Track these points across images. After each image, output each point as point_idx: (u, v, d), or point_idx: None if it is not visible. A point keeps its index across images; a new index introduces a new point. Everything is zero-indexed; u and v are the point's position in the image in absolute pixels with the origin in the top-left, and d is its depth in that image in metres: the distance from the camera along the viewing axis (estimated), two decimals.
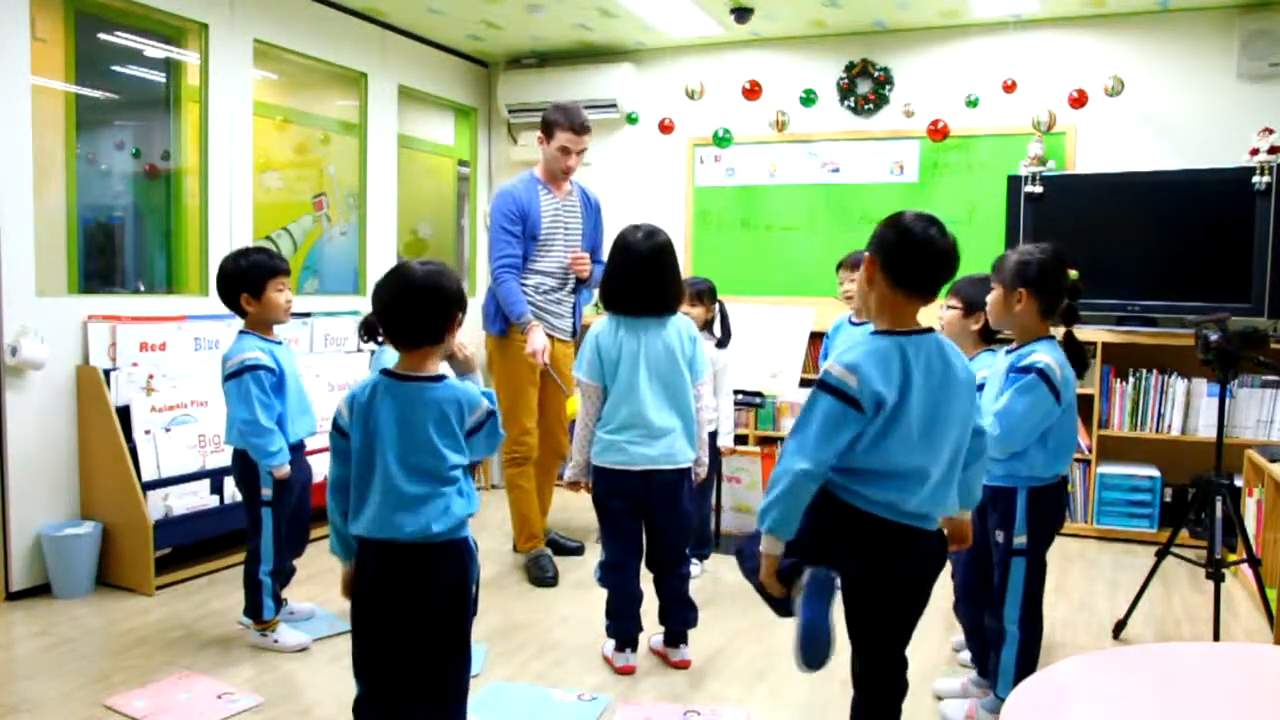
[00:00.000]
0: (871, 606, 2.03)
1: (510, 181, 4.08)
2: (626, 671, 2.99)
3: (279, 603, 3.18)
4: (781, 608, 2.03)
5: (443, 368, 2.17)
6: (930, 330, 2.00)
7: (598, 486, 3.00)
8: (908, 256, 1.96)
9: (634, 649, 3.03)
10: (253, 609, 3.12)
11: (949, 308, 2.82)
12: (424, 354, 2.09)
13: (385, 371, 2.09)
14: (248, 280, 3.03)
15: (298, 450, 3.14)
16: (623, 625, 3.02)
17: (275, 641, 3.13)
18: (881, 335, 1.96)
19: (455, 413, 2.07)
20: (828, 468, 1.90)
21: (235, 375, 2.99)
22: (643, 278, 2.94)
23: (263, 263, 3.06)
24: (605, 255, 4.26)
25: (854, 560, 1.98)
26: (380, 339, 3.41)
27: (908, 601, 2.05)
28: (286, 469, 3.03)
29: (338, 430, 2.10)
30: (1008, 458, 2.48)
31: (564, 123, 3.86)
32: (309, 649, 3.15)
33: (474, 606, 2.17)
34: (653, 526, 3.02)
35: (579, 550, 4.27)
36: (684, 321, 3.04)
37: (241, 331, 3.10)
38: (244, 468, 3.08)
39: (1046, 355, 2.45)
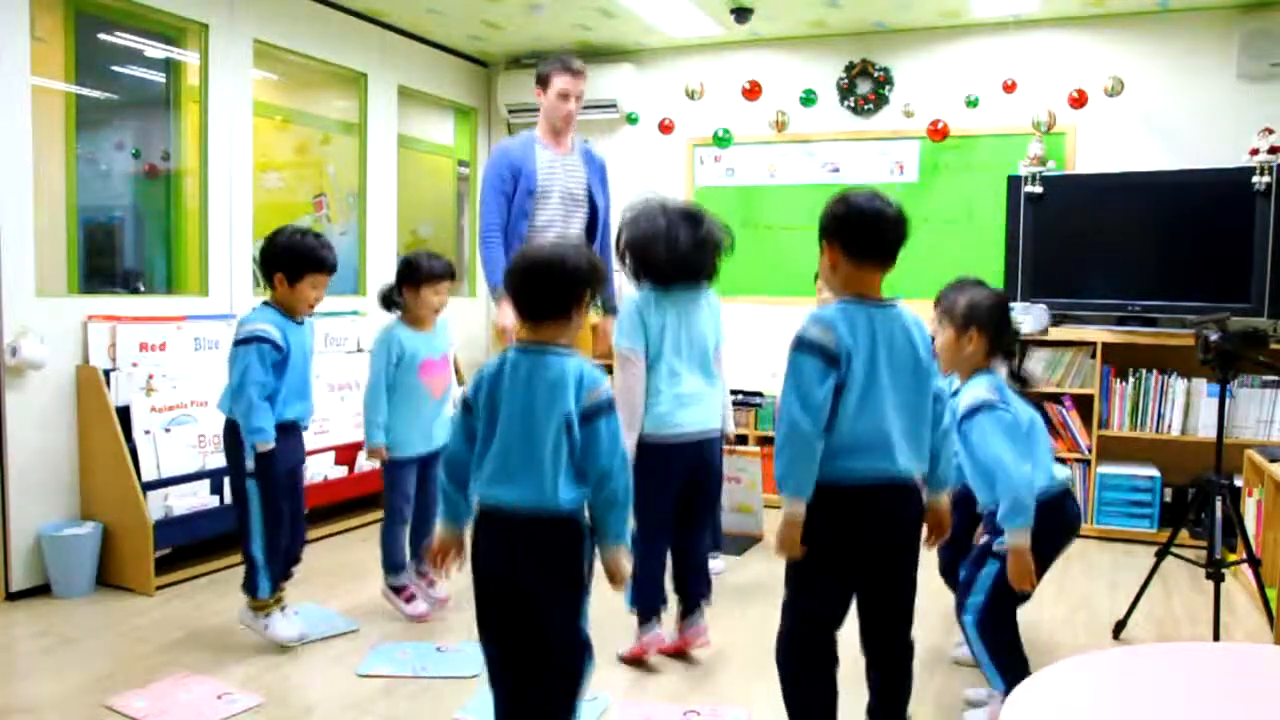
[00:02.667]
0: (862, 566, 2.13)
1: (507, 139, 4.03)
2: (656, 643, 2.99)
3: (276, 584, 3.11)
4: None
5: None
6: (894, 303, 2.11)
7: (650, 460, 2.91)
8: (864, 229, 2.08)
9: (659, 620, 3.02)
10: (249, 584, 3.08)
11: (940, 328, 2.73)
12: (549, 330, 2.08)
13: (517, 344, 2.10)
14: (289, 262, 3.00)
15: (287, 430, 3.09)
16: (651, 596, 2.99)
17: (266, 628, 3.09)
18: (849, 301, 2.08)
19: (573, 382, 2.02)
20: (826, 418, 2.01)
21: (242, 343, 2.98)
22: (678, 249, 2.91)
23: (313, 251, 3.02)
24: (613, 217, 4.28)
25: (835, 525, 2.06)
26: (395, 308, 3.42)
27: (898, 560, 2.15)
28: (270, 444, 2.98)
29: (464, 406, 2.11)
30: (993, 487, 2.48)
31: (559, 67, 3.82)
32: (296, 648, 3.14)
33: (586, 590, 2.13)
34: (696, 493, 3.01)
35: None
36: (712, 293, 3.07)
37: (265, 303, 3.09)
38: (230, 438, 3.05)
39: (976, 390, 2.51)
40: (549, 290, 2.07)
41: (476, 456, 2.09)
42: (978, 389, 2.51)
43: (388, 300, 3.41)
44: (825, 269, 2.13)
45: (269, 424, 2.98)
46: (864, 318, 2.05)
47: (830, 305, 2.08)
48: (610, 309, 4.08)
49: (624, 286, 3.29)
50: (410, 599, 3.41)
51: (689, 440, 2.93)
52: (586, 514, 2.11)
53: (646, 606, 3.01)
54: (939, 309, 2.69)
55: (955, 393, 2.57)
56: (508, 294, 2.14)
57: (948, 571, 2.94)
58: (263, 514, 3.05)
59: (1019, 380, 2.64)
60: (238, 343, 2.99)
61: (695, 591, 3.07)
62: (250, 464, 3.00)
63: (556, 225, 3.96)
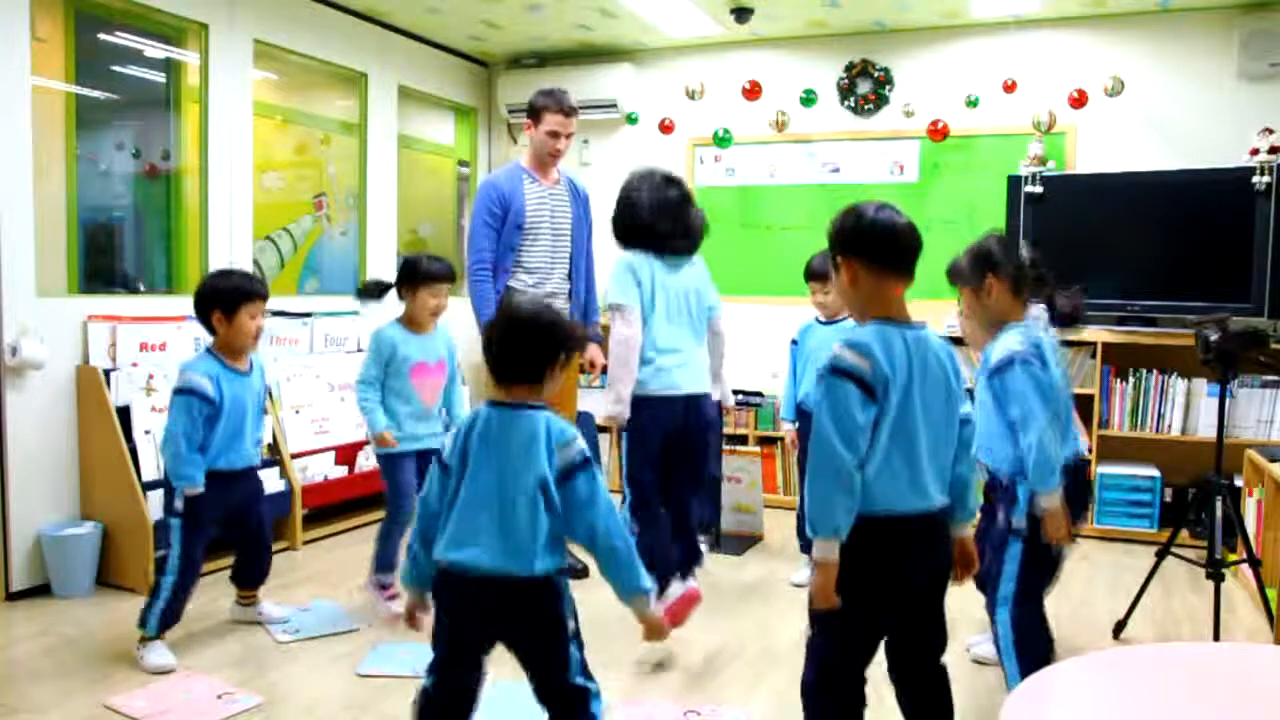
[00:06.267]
0: (883, 604, 2.01)
1: (494, 172, 3.99)
2: (689, 596, 2.95)
3: (166, 624, 3.04)
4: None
5: None
6: (923, 325, 2.02)
7: (642, 416, 2.91)
8: (879, 239, 1.98)
9: (680, 578, 3.00)
10: (143, 613, 3.01)
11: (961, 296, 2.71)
12: (520, 392, 2.02)
13: (489, 401, 2.05)
14: (223, 299, 3.01)
15: (225, 479, 3.06)
16: (663, 562, 2.95)
17: (142, 657, 2.99)
18: (881, 322, 1.97)
19: (544, 440, 1.96)
20: (863, 452, 1.89)
21: (176, 391, 2.98)
22: (668, 215, 2.94)
23: (240, 285, 3.04)
24: (598, 250, 4.27)
25: (867, 562, 1.95)
26: (375, 303, 3.44)
27: (930, 595, 2.05)
28: (197, 489, 2.97)
29: (439, 462, 2.05)
30: (1014, 445, 2.44)
31: (552, 105, 3.76)
32: (295, 647, 3.15)
33: (571, 652, 2.03)
34: (684, 456, 2.99)
35: (583, 573, 3.88)
36: (699, 261, 3.07)
37: (207, 349, 3.09)
38: (168, 476, 3.06)
39: (1009, 341, 2.43)
40: (523, 353, 2.01)
41: (443, 514, 2.01)
42: (1010, 340, 2.42)
43: (368, 292, 3.40)
44: (844, 287, 2.02)
45: (195, 470, 2.97)
46: (899, 341, 1.93)
47: (865, 328, 1.96)
48: (594, 336, 4.06)
49: (607, 294, 3.26)
50: (393, 598, 3.39)
51: (677, 396, 2.92)
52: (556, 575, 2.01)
53: (661, 573, 2.95)
54: (952, 276, 2.61)
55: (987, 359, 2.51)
56: (485, 349, 2.08)
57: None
58: (181, 555, 3.02)
59: (1061, 316, 2.55)
60: (174, 391, 2.99)
61: (684, 559, 3.04)
62: (179, 504, 3.01)
63: (543, 260, 3.90)
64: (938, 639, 2.10)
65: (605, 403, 2.95)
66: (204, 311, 3.04)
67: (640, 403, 2.93)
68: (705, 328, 3.05)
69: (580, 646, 2.08)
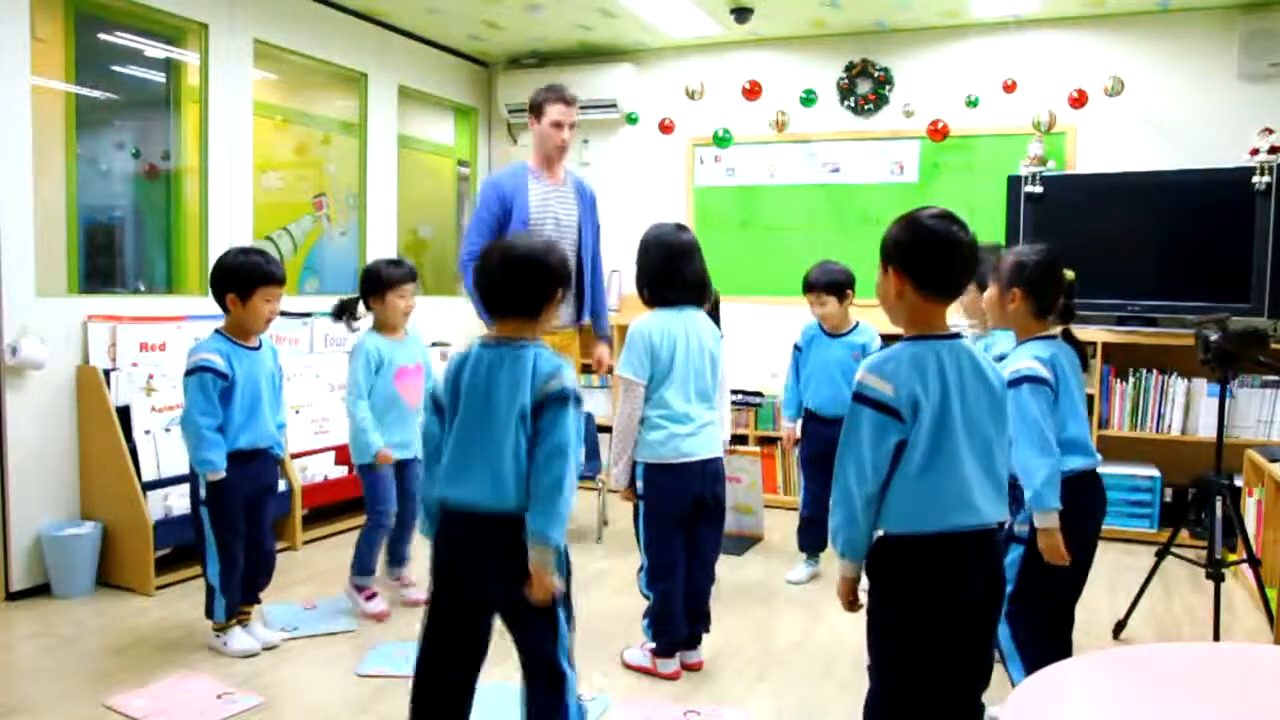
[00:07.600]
0: (930, 629, 1.91)
1: (498, 171, 4.02)
2: (676, 677, 2.95)
3: (232, 611, 3.07)
4: None
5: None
6: (959, 336, 1.95)
7: (656, 483, 2.91)
8: (937, 260, 1.88)
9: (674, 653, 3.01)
10: (207, 608, 3.07)
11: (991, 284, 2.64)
12: (516, 327, 2.04)
13: (481, 339, 2.06)
14: (239, 279, 2.97)
15: (245, 459, 3.03)
16: (674, 631, 2.95)
17: (225, 644, 3.07)
18: (916, 340, 1.90)
19: (530, 373, 1.96)
20: (883, 480, 1.86)
21: (188, 373, 2.96)
22: (684, 268, 2.95)
23: (259, 266, 3.00)
24: (603, 254, 4.27)
25: (917, 580, 1.89)
26: (356, 321, 3.43)
27: (982, 615, 1.95)
28: (219, 474, 2.94)
29: (434, 402, 2.07)
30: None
31: (553, 96, 3.79)
32: (294, 648, 3.15)
33: (560, 620, 2.02)
34: (704, 519, 2.99)
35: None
36: (706, 318, 3.07)
37: (216, 330, 3.06)
38: (191, 465, 3.04)
39: (1021, 360, 2.40)
40: (522, 286, 2.02)
41: (442, 452, 2.02)
42: (1023, 358, 2.40)
43: (341, 311, 3.40)
44: (887, 295, 1.93)
45: (216, 454, 2.93)
46: (933, 358, 1.85)
47: (894, 348, 1.90)
48: (602, 335, 4.06)
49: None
50: (371, 598, 3.41)
51: (695, 461, 2.92)
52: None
53: (669, 641, 2.96)
54: (993, 268, 2.56)
55: (1000, 357, 2.49)
56: (477, 288, 2.10)
57: None
58: (216, 541, 3.00)
59: (1073, 348, 2.51)
60: (186, 374, 2.98)
61: (696, 630, 3.04)
62: (202, 492, 2.99)
63: None
64: (980, 668, 1.98)
65: (613, 474, 3.00)
66: (219, 289, 3.00)
67: (655, 470, 2.91)
68: (714, 383, 3.02)
69: (570, 619, 2.07)
